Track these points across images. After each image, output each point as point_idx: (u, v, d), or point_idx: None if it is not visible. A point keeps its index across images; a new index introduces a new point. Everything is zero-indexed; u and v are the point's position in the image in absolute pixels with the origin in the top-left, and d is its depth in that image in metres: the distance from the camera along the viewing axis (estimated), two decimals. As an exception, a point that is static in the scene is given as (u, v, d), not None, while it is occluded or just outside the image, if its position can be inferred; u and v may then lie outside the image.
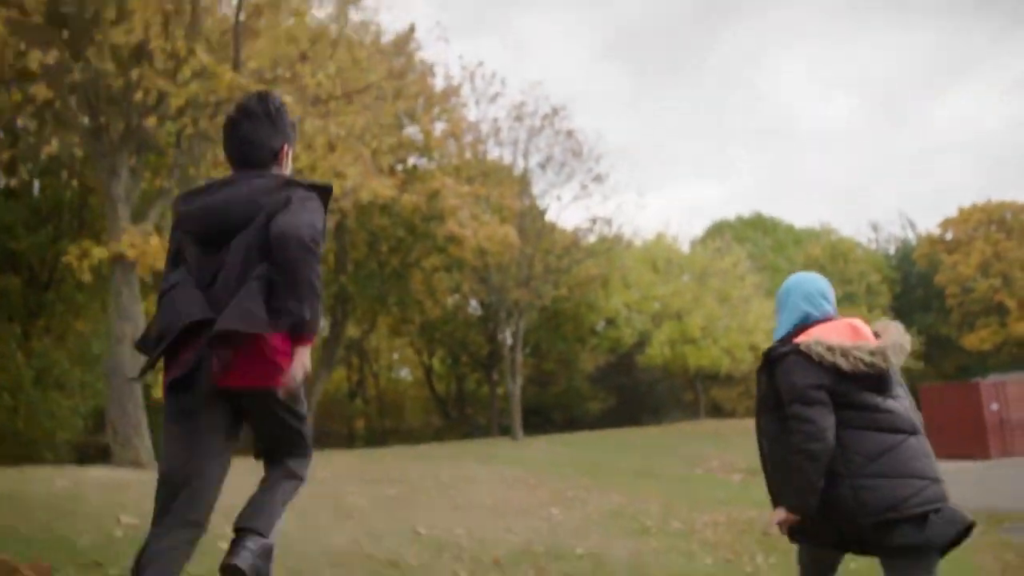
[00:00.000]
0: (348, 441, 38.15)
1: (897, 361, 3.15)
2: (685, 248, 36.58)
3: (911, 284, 46.54)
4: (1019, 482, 14.43)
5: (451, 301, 26.20)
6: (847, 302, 41.65)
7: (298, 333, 2.73)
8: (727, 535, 8.64)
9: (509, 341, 24.84)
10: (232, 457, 2.92)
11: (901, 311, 43.76)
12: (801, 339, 3.17)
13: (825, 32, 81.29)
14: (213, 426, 2.80)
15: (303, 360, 2.76)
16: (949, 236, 46.56)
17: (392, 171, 18.61)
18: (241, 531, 2.78)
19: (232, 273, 2.77)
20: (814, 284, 3.42)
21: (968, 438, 20.76)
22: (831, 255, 43.90)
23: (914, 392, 7.11)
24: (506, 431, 35.83)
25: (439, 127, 20.72)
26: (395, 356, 39.69)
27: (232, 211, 2.82)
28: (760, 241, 43.08)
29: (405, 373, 41.63)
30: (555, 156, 23.93)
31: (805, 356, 3.12)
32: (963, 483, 10.27)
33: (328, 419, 41.12)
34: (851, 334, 3.19)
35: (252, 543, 2.75)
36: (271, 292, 2.73)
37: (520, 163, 24.46)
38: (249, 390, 2.77)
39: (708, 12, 77.69)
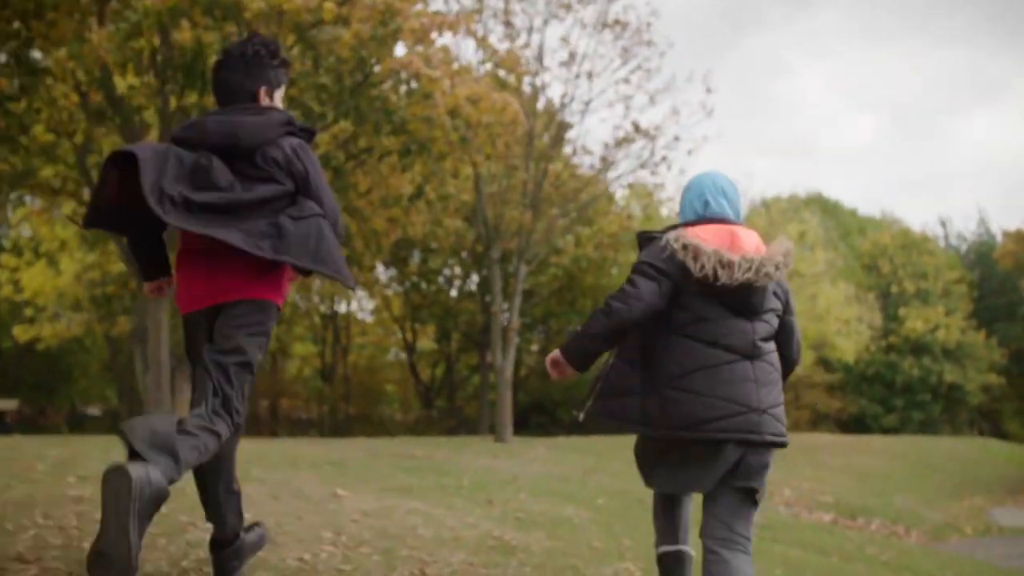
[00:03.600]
0: (299, 428, 30.27)
1: (758, 279, 2.80)
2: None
3: (991, 288, 38.16)
4: None
5: (423, 232, 17.89)
6: (919, 301, 33.31)
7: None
8: None
9: (505, 309, 16.44)
10: None
11: (980, 318, 35.50)
12: (671, 234, 2.90)
13: (849, 48, 73.66)
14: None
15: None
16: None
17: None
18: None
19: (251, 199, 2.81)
20: (713, 181, 3.07)
21: None
22: (902, 245, 35.57)
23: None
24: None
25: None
26: (374, 325, 31.37)
27: (245, 135, 2.83)
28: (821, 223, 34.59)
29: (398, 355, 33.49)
30: (581, 50, 15.49)
31: (662, 246, 2.88)
32: None
33: (290, 400, 33.21)
34: (727, 240, 2.88)
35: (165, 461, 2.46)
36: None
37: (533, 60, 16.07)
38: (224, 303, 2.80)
39: (732, 20, 69.76)
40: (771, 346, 2.94)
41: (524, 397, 29.96)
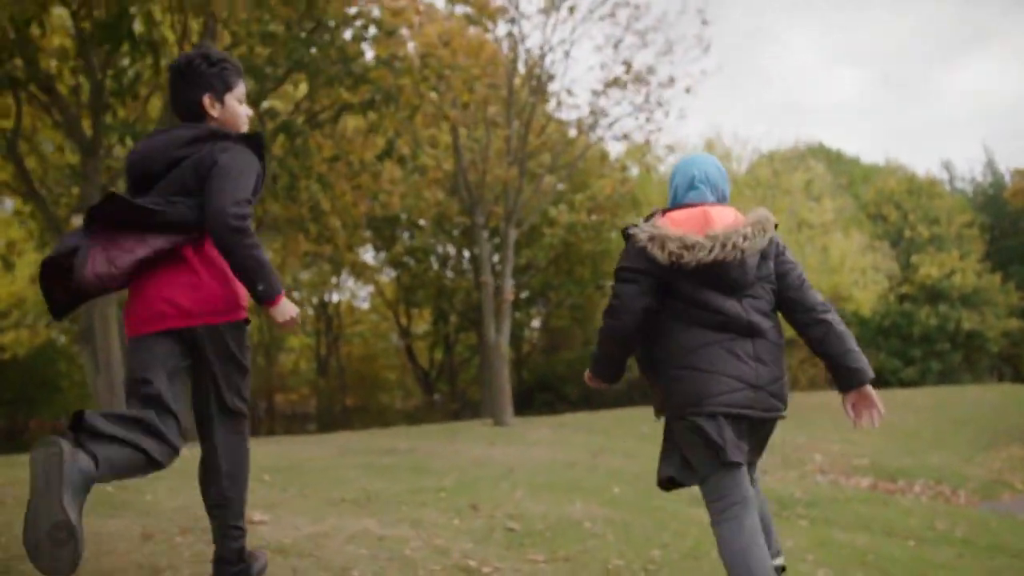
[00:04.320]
0: (296, 423, 28.78)
1: (726, 254, 2.76)
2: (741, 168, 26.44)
3: (1003, 230, 36.57)
4: None
5: (400, 205, 16.30)
6: (934, 247, 31.74)
7: (263, 303, 2.70)
8: None
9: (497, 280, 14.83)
10: None
11: (994, 261, 33.95)
12: (642, 224, 2.89)
13: (832, 4, 71.45)
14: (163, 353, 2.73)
15: (284, 312, 2.73)
16: (1051, 169, 36.69)
17: None
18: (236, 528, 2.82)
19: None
20: (696, 165, 3.02)
21: None
22: (908, 190, 33.93)
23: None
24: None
25: None
26: (368, 312, 29.87)
27: (148, 160, 2.85)
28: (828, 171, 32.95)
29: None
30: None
31: (634, 244, 2.86)
32: None
33: (285, 395, 31.73)
34: (700, 221, 2.86)
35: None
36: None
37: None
38: (203, 328, 2.73)
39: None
40: (770, 322, 2.88)
41: (528, 375, 28.53)
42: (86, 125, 11.27)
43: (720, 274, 2.80)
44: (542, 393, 27.35)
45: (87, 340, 11.98)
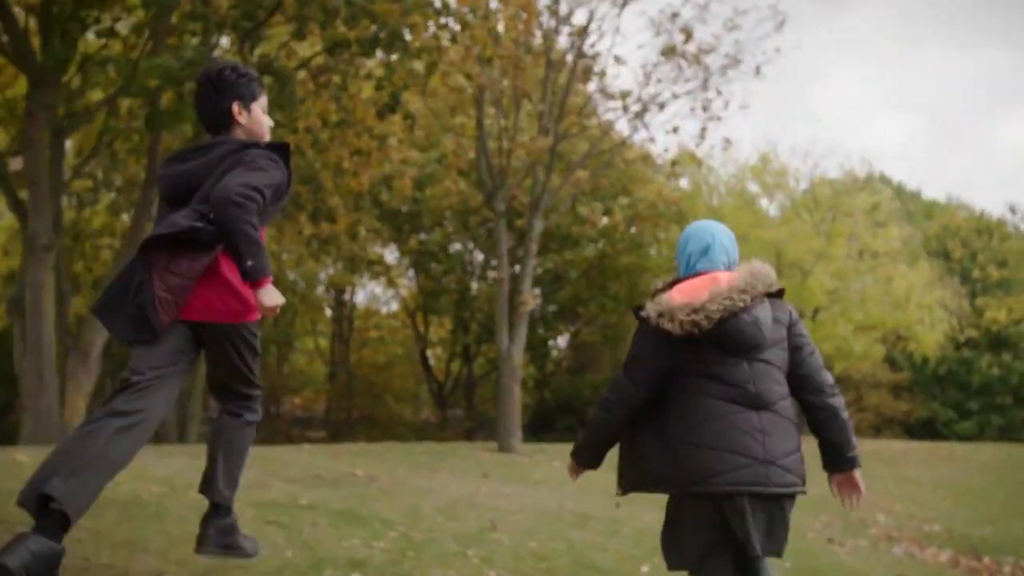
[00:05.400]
0: (301, 428, 26.59)
1: (726, 310, 2.68)
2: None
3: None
4: None
5: (412, 186, 14.05)
6: (1002, 291, 28.81)
7: (248, 281, 2.78)
8: None
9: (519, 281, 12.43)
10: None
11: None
12: (648, 307, 2.81)
13: (882, 48, 68.08)
14: (170, 345, 2.84)
15: (269, 298, 2.80)
16: None
17: None
18: (217, 507, 2.99)
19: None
20: (711, 233, 2.97)
21: None
22: (976, 229, 31.09)
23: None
24: (528, 433, 23.88)
25: None
26: (385, 318, 27.68)
27: (193, 178, 2.97)
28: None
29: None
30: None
31: (644, 323, 2.82)
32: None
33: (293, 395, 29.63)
34: (708, 286, 2.79)
35: (213, 526, 2.95)
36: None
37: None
38: (214, 325, 2.87)
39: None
40: (781, 391, 2.80)
41: (551, 395, 26.10)
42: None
43: (733, 332, 2.71)
44: (564, 416, 24.89)
45: (18, 310, 9.88)
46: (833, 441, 2.84)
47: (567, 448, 10.24)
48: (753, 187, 22.43)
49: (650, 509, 7.09)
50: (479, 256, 22.75)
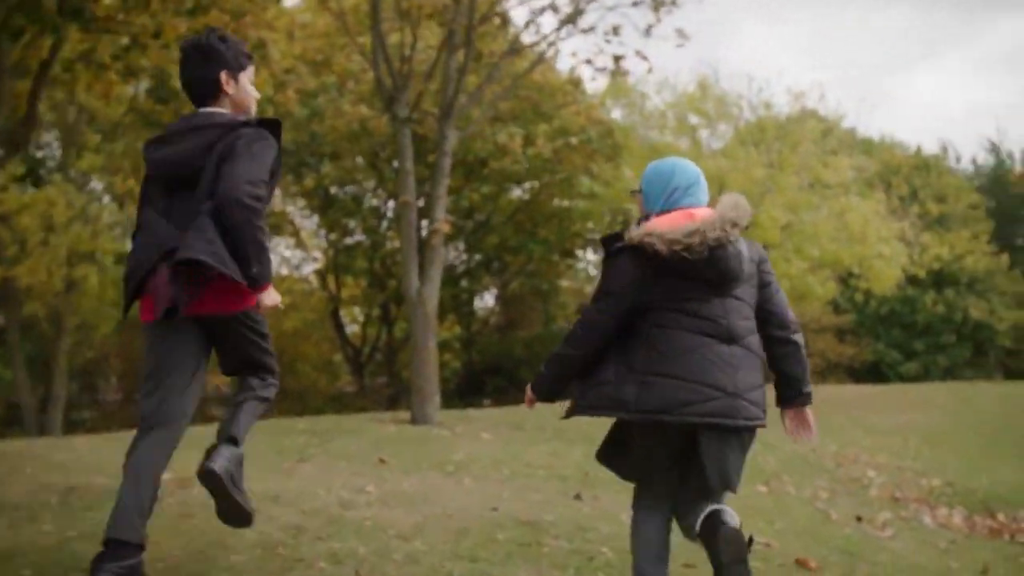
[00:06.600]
0: (206, 407, 23.80)
1: (710, 240, 2.68)
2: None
3: (1008, 215, 32.54)
4: None
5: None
6: (941, 227, 27.41)
7: (253, 287, 2.81)
8: None
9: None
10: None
11: (999, 248, 29.86)
12: (632, 231, 2.77)
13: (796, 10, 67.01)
14: (184, 344, 2.88)
15: (270, 298, 2.90)
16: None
17: None
18: (217, 441, 2.96)
19: (188, 209, 2.84)
20: (684, 172, 2.93)
21: None
22: (915, 166, 29.69)
23: None
24: (449, 399, 21.32)
25: None
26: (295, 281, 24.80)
27: (188, 162, 2.89)
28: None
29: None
30: None
31: (631, 252, 2.75)
32: None
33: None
34: (684, 221, 2.79)
35: (227, 450, 2.90)
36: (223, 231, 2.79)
37: None
38: (218, 316, 2.87)
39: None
40: (750, 328, 2.83)
41: (478, 357, 23.70)
42: None
43: (721, 263, 2.71)
44: (494, 378, 22.57)
45: None
46: (792, 376, 2.87)
47: (499, 415, 7.52)
48: (694, 119, 20.25)
49: (613, 493, 4.75)
50: (393, 204, 20.10)
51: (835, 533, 5.29)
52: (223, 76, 2.94)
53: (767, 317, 2.83)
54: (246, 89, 3.01)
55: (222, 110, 2.96)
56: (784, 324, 2.84)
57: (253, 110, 3.03)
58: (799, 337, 2.87)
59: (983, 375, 28.57)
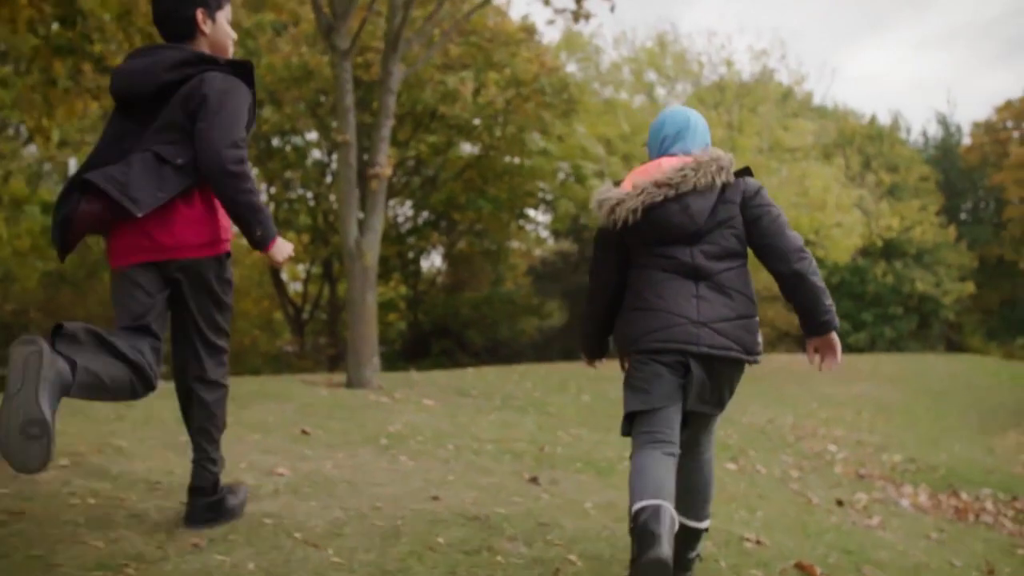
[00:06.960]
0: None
1: (657, 195, 2.71)
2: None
3: (956, 188, 32.61)
4: None
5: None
6: (893, 197, 27.23)
7: (258, 248, 2.70)
8: None
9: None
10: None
11: (947, 220, 29.91)
12: (600, 190, 2.88)
13: None
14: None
15: (281, 252, 2.72)
16: (1011, 125, 32.81)
17: None
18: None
19: (135, 142, 2.67)
20: (673, 118, 2.95)
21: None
22: (869, 135, 29.46)
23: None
24: (393, 361, 20.48)
25: None
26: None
27: (135, 80, 2.69)
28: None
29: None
30: None
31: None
32: None
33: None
34: (653, 174, 2.82)
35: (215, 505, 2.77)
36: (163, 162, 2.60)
37: None
38: (187, 261, 2.65)
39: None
40: (723, 264, 2.77)
41: (424, 318, 22.85)
42: None
43: (660, 222, 2.74)
44: (441, 340, 21.76)
45: None
46: (801, 308, 2.75)
47: (444, 379, 6.65)
48: (652, 76, 19.48)
49: (564, 469, 4.00)
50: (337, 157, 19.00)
51: (823, 523, 4.65)
52: (200, 14, 2.73)
53: (766, 252, 2.73)
54: (224, 30, 2.80)
55: (196, 49, 2.73)
56: (783, 256, 2.70)
57: (231, 53, 2.82)
58: (802, 265, 2.69)
59: (927, 347, 28.71)
